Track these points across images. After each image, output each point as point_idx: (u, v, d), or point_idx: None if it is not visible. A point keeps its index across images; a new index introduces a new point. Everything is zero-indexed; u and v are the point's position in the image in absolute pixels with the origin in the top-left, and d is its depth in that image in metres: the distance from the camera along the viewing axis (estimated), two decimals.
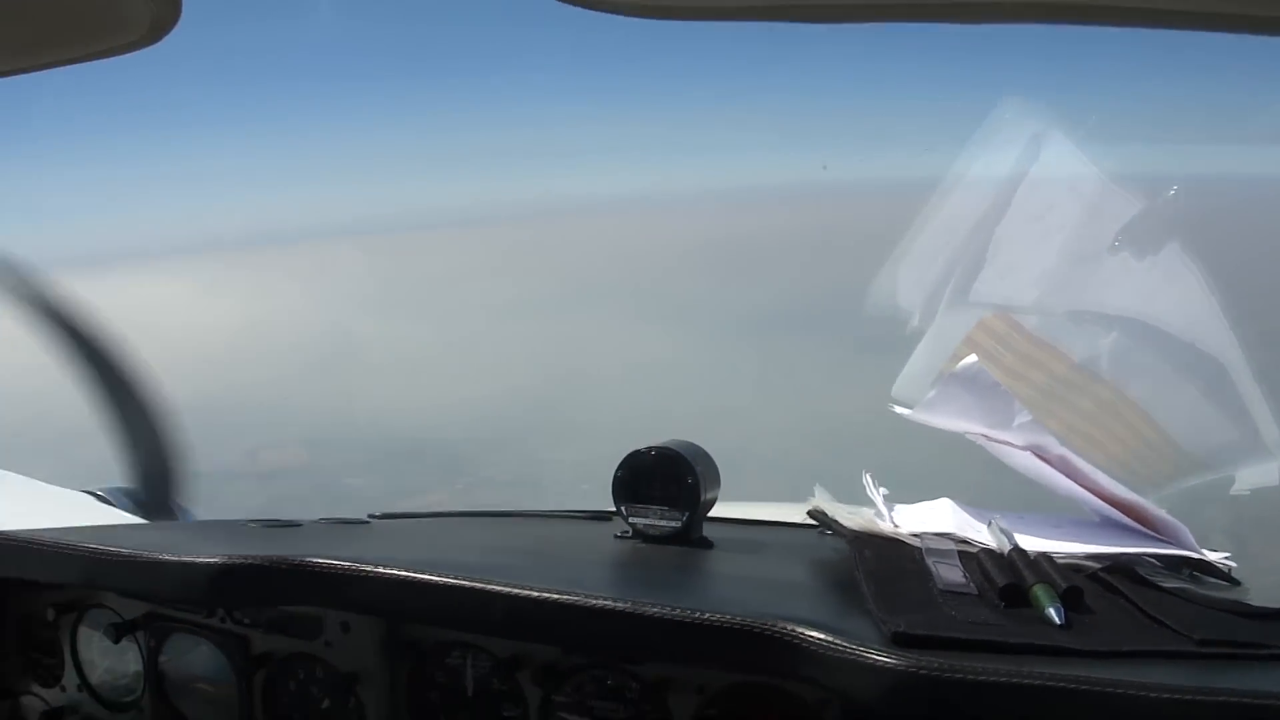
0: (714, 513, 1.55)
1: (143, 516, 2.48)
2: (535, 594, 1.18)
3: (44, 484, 2.72)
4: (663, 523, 1.50)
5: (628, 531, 1.54)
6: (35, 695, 1.84)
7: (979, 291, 1.46)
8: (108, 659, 1.76)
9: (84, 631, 1.77)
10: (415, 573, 1.27)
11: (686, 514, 1.48)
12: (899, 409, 1.45)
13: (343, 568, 1.33)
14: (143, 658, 1.67)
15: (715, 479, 1.53)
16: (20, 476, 2.58)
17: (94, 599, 1.73)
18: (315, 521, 1.92)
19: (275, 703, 1.56)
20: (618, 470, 1.51)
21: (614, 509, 1.56)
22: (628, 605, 1.13)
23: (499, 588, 1.20)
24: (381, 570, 1.30)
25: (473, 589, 1.22)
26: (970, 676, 0.90)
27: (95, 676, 1.77)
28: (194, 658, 1.63)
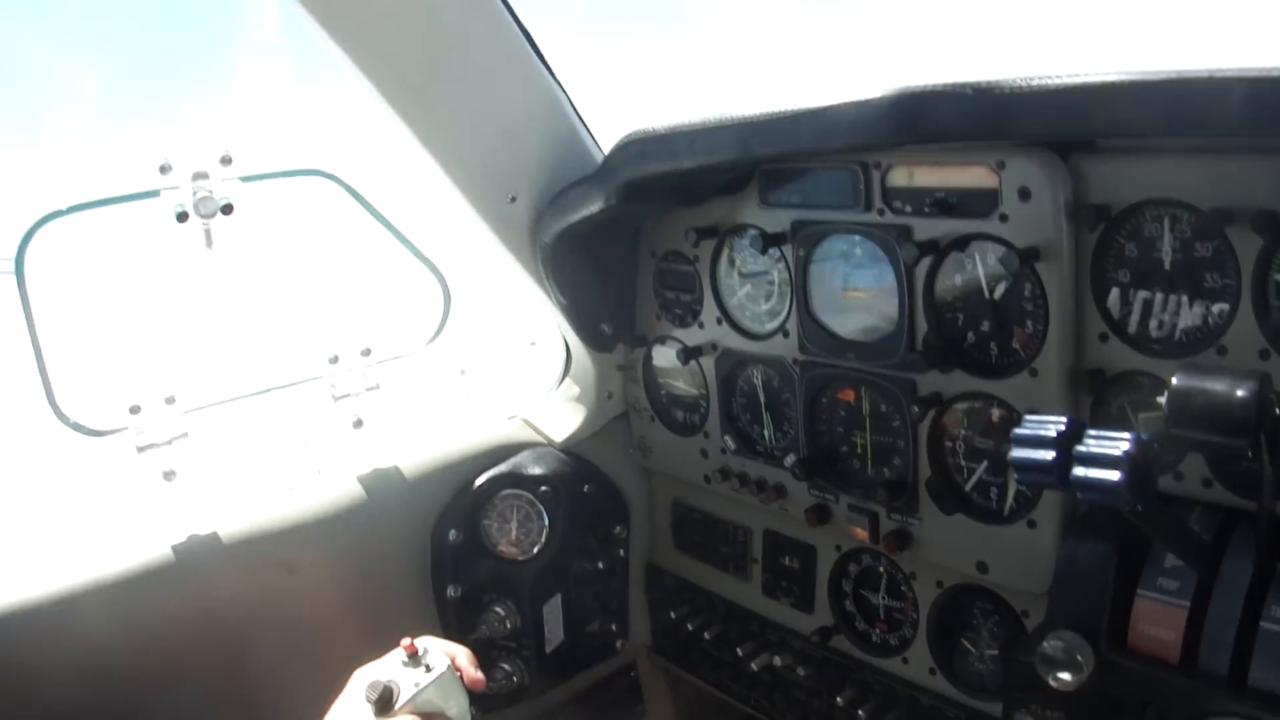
0: None
1: None
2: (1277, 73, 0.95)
3: None
4: None
5: None
6: (675, 340, 1.85)
7: None
8: (746, 285, 1.70)
9: (723, 262, 1.72)
10: (1123, 76, 1.07)
11: None
12: None
13: (1031, 85, 1.14)
14: (790, 271, 1.60)
15: None
16: None
17: (734, 219, 1.65)
18: None
19: (936, 291, 1.44)
20: None
21: None
22: None
23: (1233, 73, 0.98)
24: (1080, 80, 1.10)
25: (1199, 79, 1.00)
26: None
27: (734, 303, 1.71)
28: (847, 265, 1.55)
